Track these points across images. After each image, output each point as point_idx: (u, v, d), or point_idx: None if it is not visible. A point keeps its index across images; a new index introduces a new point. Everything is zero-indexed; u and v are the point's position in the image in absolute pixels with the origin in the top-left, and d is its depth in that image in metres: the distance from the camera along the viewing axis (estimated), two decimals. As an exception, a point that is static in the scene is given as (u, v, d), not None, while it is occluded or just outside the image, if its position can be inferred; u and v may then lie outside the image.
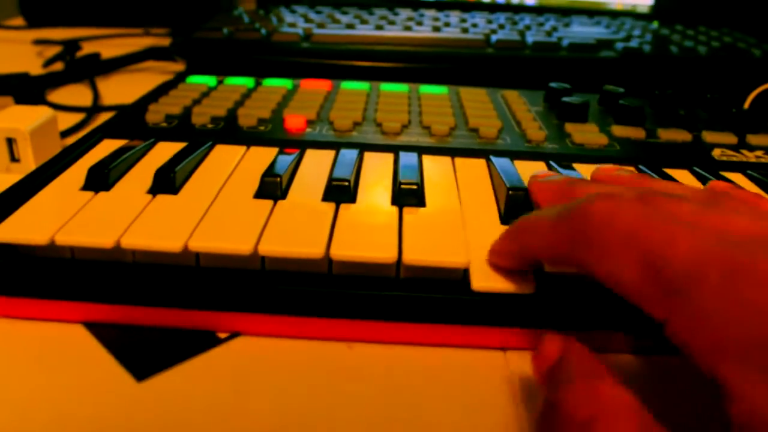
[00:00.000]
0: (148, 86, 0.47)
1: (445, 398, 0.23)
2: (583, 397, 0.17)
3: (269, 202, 0.28)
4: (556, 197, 0.26)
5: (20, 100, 0.53)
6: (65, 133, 0.46)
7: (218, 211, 0.27)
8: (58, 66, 0.65)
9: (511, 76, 0.55)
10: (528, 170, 0.32)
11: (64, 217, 0.26)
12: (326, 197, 0.29)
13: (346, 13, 0.70)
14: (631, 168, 0.34)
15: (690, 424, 0.22)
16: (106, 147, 0.35)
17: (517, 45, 0.58)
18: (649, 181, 0.27)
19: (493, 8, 0.79)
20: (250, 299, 0.25)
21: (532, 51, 0.57)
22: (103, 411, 0.22)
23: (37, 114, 0.40)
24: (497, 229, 0.26)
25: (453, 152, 0.36)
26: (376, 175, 0.32)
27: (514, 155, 0.35)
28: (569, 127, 0.40)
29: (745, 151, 0.39)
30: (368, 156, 0.35)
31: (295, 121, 0.38)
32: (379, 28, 0.62)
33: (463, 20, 0.68)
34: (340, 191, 0.29)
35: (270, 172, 0.30)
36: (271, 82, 0.47)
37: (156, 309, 0.26)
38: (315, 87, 0.47)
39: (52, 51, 0.70)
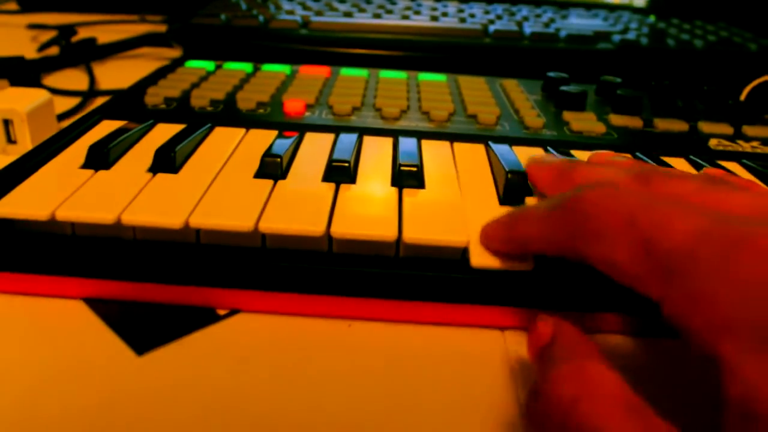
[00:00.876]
0: (144, 72, 0.47)
1: (444, 377, 0.23)
2: (569, 377, 0.17)
3: (270, 182, 0.28)
4: (554, 179, 0.26)
5: (15, 84, 0.52)
6: (62, 117, 0.46)
7: (219, 189, 0.27)
8: (53, 51, 0.65)
9: (508, 66, 0.55)
10: (526, 156, 0.32)
11: (64, 193, 0.26)
12: (326, 178, 0.29)
13: (344, 1, 0.70)
14: (628, 155, 0.34)
15: (686, 405, 0.22)
16: (105, 127, 0.35)
17: (514, 35, 0.58)
18: (645, 166, 0.27)
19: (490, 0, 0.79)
20: (250, 276, 0.25)
21: (530, 41, 0.57)
22: (104, 384, 0.22)
23: (34, 96, 0.40)
24: (496, 211, 0.27)
25: (452, 137, 0.36)
26: (376, 157, 0.32)
27: (513, 141, 0.36)
28: (567, 115, 0.40)
29: (741, 142, 0.39)
30: (367, 140, 0.35)
31: (294, 105, 0.38)
32: (377, 16, 0.62)
33: (461, 10, 0.68)
34: (341, 172, 0.29)
35: (270, 152, 0.30)
36: (269, 68, 0.47)
37: (156, 285, 0.26)
38: (314, 73, 0.47)
39: (47, 36, 0.69)
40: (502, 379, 0.23)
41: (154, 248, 0.26)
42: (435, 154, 0.33)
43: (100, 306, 0.26)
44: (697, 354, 0.16)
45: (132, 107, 0.39)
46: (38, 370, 0.22)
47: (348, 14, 0.62)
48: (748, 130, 0.40)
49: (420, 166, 0.30)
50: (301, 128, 0.36)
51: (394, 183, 0.29)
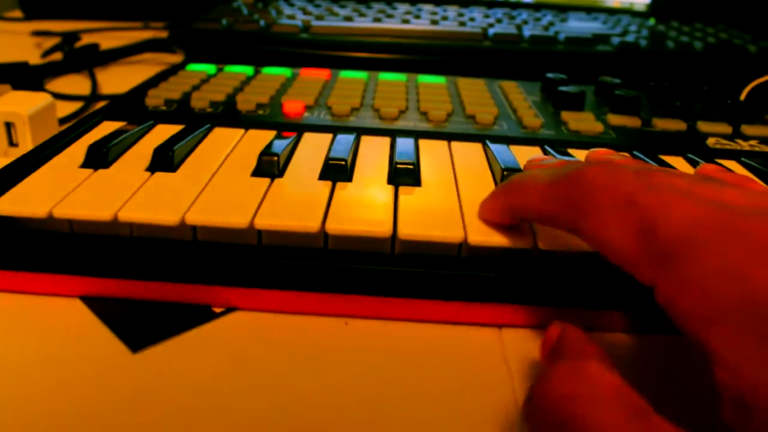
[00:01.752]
0: (146, 77, 0.47)
1: (441, 375, 0.23)
2: (569, 375, 0.17)
3: (266, 180, 0.28)
4: None
5: (19, 89, 0.53)
6: (63, 120, 0.46)
7: (216, 187, 0.28)
8: (57, 57, 0.65)
9: (508, 68, 0.55)
10: (523, 155, 0.32)
11: (63, 191, 0.27)
12: (323, 176, 0.29)
13: (344, 6, 0.71)
14: (626, 154, 0.34)
15: (686, 404, 0.22)
16: (106, 128, 0.35)
17: (514, 38, 0.58)
18: (642, 163, 0.27)
19: (491, 4, 0.79)
20: (247, 274, 0.25)
21: (529, 44, 0.57)
22: (98, 380, 0.22)
23: (36, 100, 0.40)
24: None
25: (449, 137, 0.36)
26: (373, 156, 0.32)
27: (510, 141, 0.36)
28: (565, 115, 0.40)
29: (739, 141, 0.39)
30: (365, 139, 0.35)
31: (293, 106, 0.38)
32: (377, 20, 0.62)
33: (461, 14, 0.69)
34: (337, 170, 0.29)
35: (267, 151, 0.30)
36: (270, 71, 0.48)
37: (153, 283, 0.26)
38: (314, 75, 0.47)
39: (51, 42, 0.70)
40: (499, 377, 0.23)
41: (151, 246, 0.26)
42: (432, 153, 0.33)
43: (96, 304, 0.26)
44: (690, 340, 0.16)
45: (133, 109, 0.39)
46: (34, 367, 0.23)
47: (348, 18, 0.63)
48: (747, 129, 0.40)
49: (416, 164, 0.30)
50: (299, 128, 0.36)
51: (390, 181, 0.29)
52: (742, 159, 0.36)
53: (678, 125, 0.40)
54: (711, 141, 0.39)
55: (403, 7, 0.72)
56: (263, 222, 0.25)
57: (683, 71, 0.57)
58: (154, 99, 0.39)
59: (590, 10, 0.79)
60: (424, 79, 0.47)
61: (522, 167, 0.30)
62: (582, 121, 0.39)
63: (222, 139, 0.34)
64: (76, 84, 0.57)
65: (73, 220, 0.26)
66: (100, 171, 0.29)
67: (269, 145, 0.31)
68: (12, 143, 0.39)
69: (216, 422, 0.21)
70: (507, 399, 0.22)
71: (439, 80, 0.47)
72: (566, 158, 0.32)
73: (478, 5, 0.78)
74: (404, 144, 0.33)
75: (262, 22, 0.59)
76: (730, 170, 0.27)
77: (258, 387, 0.22)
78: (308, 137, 0.35)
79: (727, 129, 0.40)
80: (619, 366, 0.18)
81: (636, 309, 0.25)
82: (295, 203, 0.26)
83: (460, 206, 0.27)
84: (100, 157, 0.30)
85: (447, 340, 0.25)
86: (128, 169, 0.29)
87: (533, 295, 0.25)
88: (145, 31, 0.79)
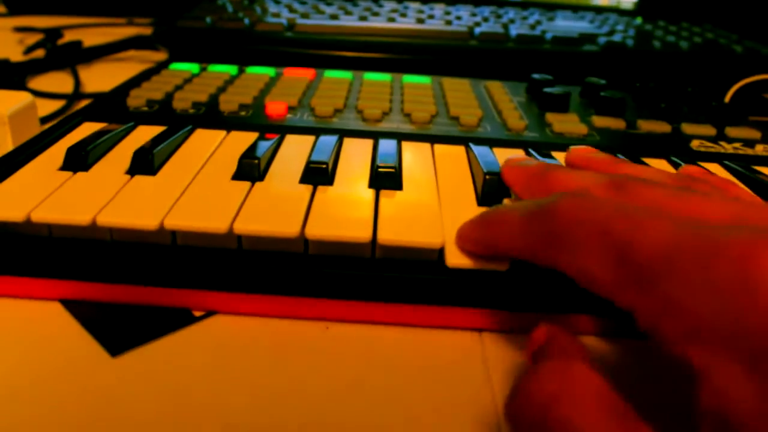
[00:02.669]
0: (130, 75, 0.47)
1: (421, 378, 0.23)
2: (553, 374, 0.17)
3: (247, 184, 0.28)
4: (528, 182, 0.26)
5: (0, 87, 0.52)
6: (45, 120, 0.46)
7: (196, 191, 0.27)
8: (39, 53, 0.65)
9: (494, 68, 0.55)
10: (506, 157, 0.32)
11: (41, 195, 0.26)
12: (304, 179, 0.29)
13: (330, 4, 0.70)
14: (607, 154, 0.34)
15: (666, 408, 0.22)
16: (86, 129, 0.35)
17: (500, 37, 0.58)
18: (622, 166, 0.27)
19: (478, 2, 0.79)
20: (227, 278, 0.25)
21: (516, 43, 0.57)
22: (77, 384, 0.22)
23: (17, 98, 0.40)
24: (474, 212, 0.26)
25: (433, 139, 0.36)
26: (355, 159, 0.32)
27: (494, 143, 0.36)
28: (550, 116, 0.40)
29: (723, 143, 0.39)
30: (348, 142, 0.35)
31: (276, 107, 0.38)
32: (363, 19, 0.62)
33: (447, 13, 0.69)
34: (318, 173, 0.29)
35: (248, 154, 0.30)
36: (254, 70, 0.47)
37: (132, 287, 0.26)
38: (298, 75, 0.47)
39: (33, 38, 0.69)
40: (479, 380, 0.23)
41: (130, 250, 0.25)
42: (415, 156, 0.33)
43: (76, 307, 0.26)
44: (672, 361, 0.16)
45: (114, 109, 0.38)
46: (12, 371, 0.22)
47: (334, 17, 0.62)
48: (731, 131, 0.41)
49: (398, 168, 0.30)
50: (282, 130, 0.36)
51: (371, 185, 0.29)
52: (725, 162, 0.36)
53: (662, 127, 0.40)
54: (695, 143, 0.39)
55: (389, 5, 0.72)
56: (242, 227, 0.25)
57: (669, 71, 0.57)
58: (136, 99, 0.39)
59: (577, 9, 0.79)
60: (409, 79, 0.47)
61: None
62: (566, 123, 0.39)
63: (203, 141, 0.34)
64: (59, 82, 0.57)
65: (51, 224, 0.26)
66: (80, 174, 0.29)
67: (250, 148, 0.31)
68: (-8, 143, 0.39)
69: (195, 426, 0.20)
70: (486, 402, 0.22)
71: (424, 80, 0.47)
72: (547, 160, 0.32)
73: (465, 3, 0.78)
74: (386, 147, 0.33)
75: (246, 21, 0.58)
76: (712, 173, 0.27)
77: (238, 391, 0.22)
78: (290, 139, 0.34)
79: (711, 131, 0.40)
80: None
81: (610, 313, 0.25)
82: (276, 208, 0.26)
83: (441, 211, 0.27)
84: (79, 160, 0.29)
85: (427, 343, 0.25)
86: (108, 172, 0.29)
87: (513, 300, 0.25)
88: (130, 28, 0.79)
